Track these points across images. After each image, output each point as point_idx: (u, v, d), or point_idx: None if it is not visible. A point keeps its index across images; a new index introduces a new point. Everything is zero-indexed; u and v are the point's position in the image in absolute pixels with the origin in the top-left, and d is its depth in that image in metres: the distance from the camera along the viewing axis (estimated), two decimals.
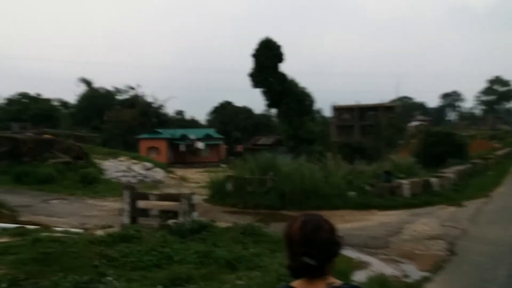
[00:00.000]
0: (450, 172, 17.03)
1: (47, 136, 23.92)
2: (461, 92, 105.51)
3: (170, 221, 8.73)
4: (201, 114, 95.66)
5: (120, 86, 58.42)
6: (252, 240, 8.16)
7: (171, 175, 24.30)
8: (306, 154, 27.06)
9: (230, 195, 15.02)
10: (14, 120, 41.06)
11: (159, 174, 23.24)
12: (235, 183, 15.28)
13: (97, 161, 24.92)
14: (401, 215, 12.07)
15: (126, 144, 46.53)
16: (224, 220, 12.08)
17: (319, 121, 71.11)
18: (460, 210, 12.57)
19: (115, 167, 22.91)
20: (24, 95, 52.82)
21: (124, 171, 22.16)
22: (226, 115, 62.95)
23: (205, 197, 16.36)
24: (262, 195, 14.36)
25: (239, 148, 45.54)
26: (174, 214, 9.00)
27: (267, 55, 28.47)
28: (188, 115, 68.70)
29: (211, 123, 63.15)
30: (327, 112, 73.33)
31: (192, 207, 8.95)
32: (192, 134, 42.86)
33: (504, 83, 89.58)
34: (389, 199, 13.98)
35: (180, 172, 31.19)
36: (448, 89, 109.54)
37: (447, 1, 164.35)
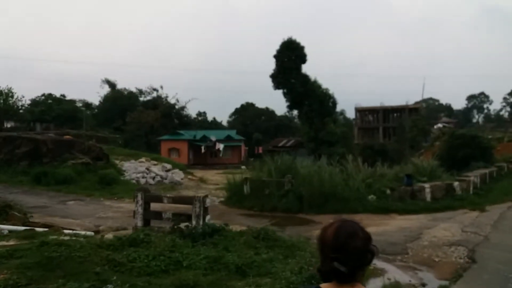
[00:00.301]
0: (474, 175, 16.47)
1: (67, 137, 24.47)
2: (488, 94, 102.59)
3: (183, 225, 8.72)
4: (223, 115, 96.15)
5: (143, 87, 59.33)
6: (265, 245, 8.04)
7: (190, 176, 24.44)
8: (327, 157, 26.85)
9: (247, 197, 14.96)
10: (38, 121, 42.16)
11: (178, 175, 23.39)
12: (252, 185, 15.21)
13: (117, 162, 25.36)
14: (422, 219, 11.73)
15: (147, 145, 47.22)
16: (239, 223, 12.05)
17: (341, 123, 70.51)
18: (483, 215, 12.12)
19: (135, 168, 23.21)
20: (48, 96, 54.26)
21: (143, 172, 22.39)
22: (248, 117, 63.10)
23: (222, 199, 16.40)
24: (280, 198, 14.24)
25: (260, 149, 45.47)
26: (187, 217, 8.97)
27: (289, 56, 28.42)
28: (210, 117, 69.26)
29: (232, 125, 63.38)
30: (351, 114, 72.62)
31: (205, 210, 8.90)
32: (212, 135, 43.09)
33: None
34: (410, 203, 13.63)
35: (199, 173, 31.36)
36: (475, 90, 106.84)
37: (477, 1, 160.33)
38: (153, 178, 22.19)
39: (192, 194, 19.37)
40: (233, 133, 47.65)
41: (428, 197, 14.19)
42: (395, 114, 65.33)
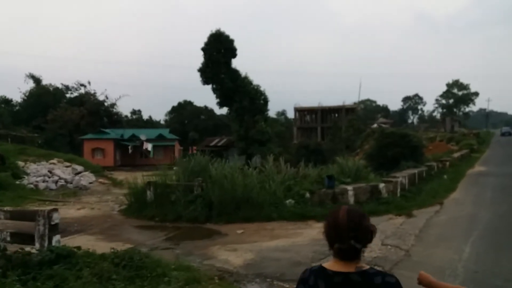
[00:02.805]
0: (402, 176, 15.47)
1: None
2: (422, 96, 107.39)
3: (24, 249, 6.49)
4: (160, 114, 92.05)
5: (70, 83, 54.74)
6: (125, 276, 6.03)
7: (102, 179, 21.73)
8: (260, 157, 25.15)
9: (150, 205, 12.83)
10: None
11: (87, 179, 20.64)
12: (157, 190, 13.09)
13: (22, 163, 22.14)
14: None
15: (71, 146, 43.23)
16: (126, 239, 9.95)
17: (281, 122, 69.85)
18: (408, 222, 10.90)
19: (37, 171, 20.15)
20: None
21: (44, 175, 19.44)
22: (185, 115, 60.42)
23: (124, 206, 14.12)
24: (187, 204, 12.26)
25: (194, 150, 43.10)
26: (30, 237, 6.74)
27: (218, 49, 26.53)
28: (146, 115, 65.63)
29: (169, 124, 60.37)
30: (292, 114, 72.16)
31: (52, 228, 6.70)
32: (142, 134, 40.09)
33: (462, 86, 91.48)
34: (331, 208, 12.12)
35: (123, 175, 28.47)
36: (410, 92, 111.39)
37: (412, 10, 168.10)
38: (56, 182, 19.33)
39: (94, 200, 16.93)
40: (165, 132, 44.84)
41: (351, 200, 12.87)
42: (333, 115, 65.76)
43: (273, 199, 12.27)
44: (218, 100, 27.32)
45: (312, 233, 9.93)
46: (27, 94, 54.40)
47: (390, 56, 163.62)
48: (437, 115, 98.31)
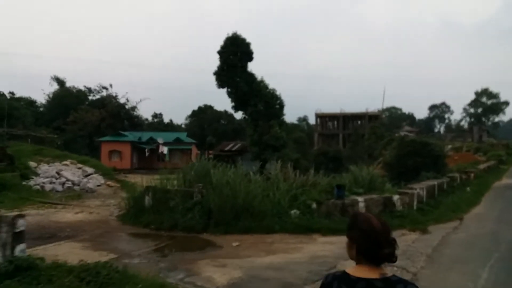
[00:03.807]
0: (419, 187, 14.35)
1: None
2: (450, 104, 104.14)
3: None
4: (181, 118, 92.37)
5: (93, 86, 55.47)
6: None
7: (110, 182, 21.38)
8: (273, 163, 24.37)
9: (148, 211, 12.22)
10: None
11: (95, 181, 20.32)
12: (156, 196, 12.48)
13: (34, 164, 22.06)
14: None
15: (90, 147, 43.56)
16: (112, 248, 9.32)
17: (301, 128, 68.77)
18: (422, 239, 9.88)
19: (46, 172, 19.98)
20: None
21: (52, 177, 19.22)
22: (205, 120, 60.21)
23: (123, 212, 13.58)
24: (185, 212, 11.57)
25: (209, 154, 42.67)
26: None
27: (234, 52, 25.95)
28: (167, 119, 65.87)
29: (189, 128, 60.32)
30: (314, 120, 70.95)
31: (17, 236, 6.12)
32: (160, 137, 39.89)
33: (491, 95, 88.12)
34: (339, 221, 11.22)
35: (139, 178, 28.16)
36: (437, 100, 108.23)
37: (440, 16, 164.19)
38: (63, 184, 19.06)
39: (97, 203, 16.50)
40: (183, 135, 44.55)
41: None
42: (356, 121, 64.26)
43: (277, 209, 11.45)
44: (233, 104, 26.69)
45: (313, 249, 9.08)
46: (51, 96, 55.43)
47: (416, 63, 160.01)
48: (464, 124, 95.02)
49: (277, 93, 26.56)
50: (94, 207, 15.18)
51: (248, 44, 25.97)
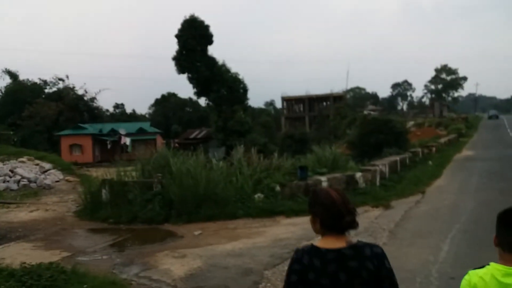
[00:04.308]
0: (382, 164, 14.46)
1: None
2: (411, 82, 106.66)
3: None
4: (144, 107, 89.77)
5: (48, 78, 52.89)
6: None
7: (70, 177, 20.47)
8: (241, 148, 24.03)
9: (105, 205, 11.65)
10: None
11: (53, 177, 19.37)
12: (113, 189, 11.92)
13: None
14: (308, 224, 9.16)
15: (50, 142, 41.75)
16: (68, 245, 8.85)
17: (268, 112, 68.70)
18: (385, 215, 9.90)
19: None
20: None
21: (5, 175, 18.15)
22: (170, 108, 58.92)
23: (79, 208, 12.94)
24: (145, 204, 11.12)
25: (175, 143, 41.86)
26: None
27: (193, 35, 25.15)
28: (129, 109, 63.93)
29: (152, 117, 58.88)
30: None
31: None
32: (122, 128, 38.66)
33: (451, 71, 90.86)
34: (302, 202, 11.04)
35: (101, 171, 27.19)
36: (399, 79, 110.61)
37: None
38: (18, 182, 18.02)
39: (54, 200, 15.72)
40: (146, 125, 43.41)
41: None
42: (321, 103, 64.74)
43: (240, 194, 11.19)
44: (195, 90, 26.05)
45: (276, 232, 8.90)
46: (3, 90, 52.56)
47: (379, 44, 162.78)
48: (426, 101, 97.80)
49: (240, 77, 26.13)
50: (51, 204, 14.42)
51: (207, 27, 25.28)
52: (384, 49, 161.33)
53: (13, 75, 54.80)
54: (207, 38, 25.44)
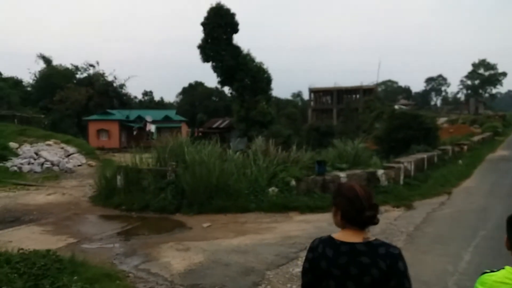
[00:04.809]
0: (407, 161, 13.74)
1: None
2: (447, 76, 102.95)
3: None
4: (172, 95, 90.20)
5: (80, 63, 54.06)
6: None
7: (92, 161, 20.71)
8: (262, 139, 23.69)
9: (119, 192, 11.58)
10: None
11: (75, 161, 19.65)
12: (128, 176, 11.83)
13: (15, 145, 21.30)
14: (323, 222, 8.75)
15: (79, 127, 42.71)
16: (76, 231, 8.78)
17: (294, 103, 67.85)
18: (405, 216, 9.32)
19: (24, 153, 19.27)
20: None
21: (30, 157, 18.52)
22: (196, 96, 59.09)
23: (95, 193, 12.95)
24: (158, 192, 10.97)
25: (198, 132, 41.88)
26: None
27: (218, 23, 24.81)
28: (157, 96, 64.60)
29: (179, 105, 59.27)
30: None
31: None
32: (148, 115, 38.99)
33: (489, 66, 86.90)
34: (319, 198, 10.67)
35: (127, 157, 27.51)
36: (434, 73, 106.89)
37: None
38: (41, 164, 18.36)
39: (73, 184, 15.87)
40: (172, 113, 43.60)
41: None
42: (351, 96, 63.26)
43: (254, 187, 10.85)
44: (219, 79, 25.77)
45: (287, 228, 8.50)
46: (37, 75, 54.08)
47: (413, 35, 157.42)
48: (461, 96, 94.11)
49: (265, 67, 25.64)
50: (69, 188, 14.56)
51: (232, 15, 24.86)
52: (419, 41, 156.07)
53: (47, 60, 56.30)
54: (233, 26, 25.03)
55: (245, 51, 25.21)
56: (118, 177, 11.86)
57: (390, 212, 9.74)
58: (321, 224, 8.68)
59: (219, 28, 24.59)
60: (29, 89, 54.74)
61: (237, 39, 25.43)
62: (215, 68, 25.29)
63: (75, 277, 5.09)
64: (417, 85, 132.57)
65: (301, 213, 9.94)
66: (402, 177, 12.81)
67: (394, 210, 9.99)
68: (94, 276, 5.39)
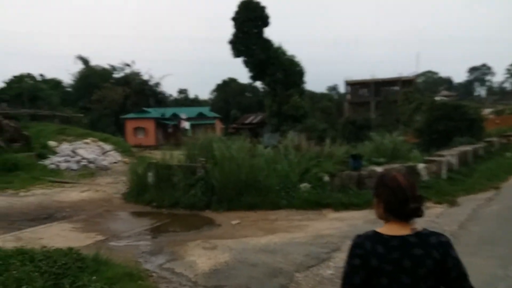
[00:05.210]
0: (450, 154, 12.88)
1: None
2: (491, 65, 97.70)
3: None
4: (206, 92, 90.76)
5: (116, 63, 55.43)
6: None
7: (127, 159, 20.98)
8: (295, 134, 23.24)
9: (150, 188, 11.52)
10: None
11: (111, 158, 19.97)
12: (159, 172, 11.75)
13: (54, 143, 21.98)
14: (358, 220, 8.26)
15: (117, 125, 43.75)
16: (106, 228, 8.75)
17: (329, 97, 66.58)
18: (449, 213, 8.65)
19: (62, 151, 19.80)
20: (20, 76, 50.45)
21: (67, 155, 18.98)
22: (230, 93, 59.17)
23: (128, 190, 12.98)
24: (188, 188, 10.81)
25: (231, 128, 41.84)
26: None
27: (249, 17, 24.49)
28: (192, 94, 65.33)
29: (213, 102, 59.59)
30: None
31: None
32: (183, 113, 39.36)
33: None
34: (354, 194, 10.15)
35: (161, 155, 27.86)
36: (478, 62, 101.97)
37: None
38: (78, 162, 18.77)
39: (107, 181, 16.06)
40: (206, 110, 43.82)
41: None
42: (389, 88, 61.24)
43: (285, 183, 10.45)
44: (250, 74, 25.45)
45: (319, 227, 8.07)
46: (76, 76, 55.91)
47: (454, 22, 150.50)
48: (508, 86, 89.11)
49: (297, 59, 25.07)
50: (103, 185, 14.74)
51: (263, 8, 24.44)
52: (460, 28, 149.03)
53: (85, 61, 58.09)
54: (263, 20, 24.62)
55: (276, 44, 24.74)
56: (149, 174, 11.81)
57: (431, 209, 9.07)
58: (355, 222, 8.18)
59: (249, 22, 24.26)
60: (69, 89, 56.70)
61: (268, 32, 25.04)
62: (246, 63, 24.99)
63: (94, 277, 4.91)
64: (460, 76, 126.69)
65: (334, 210, 9.47)
66: (444, 171, 12.01)
67: (436, 207, 9.32)
68: (116, 275, 5.21)
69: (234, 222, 8.73)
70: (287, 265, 5.81)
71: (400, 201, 1.72)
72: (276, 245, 6.83)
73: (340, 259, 5.99)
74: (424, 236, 1.72)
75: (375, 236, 1.75)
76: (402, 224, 1.74)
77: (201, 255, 6.46)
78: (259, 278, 5.41)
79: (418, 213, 1.74)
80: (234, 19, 24.57)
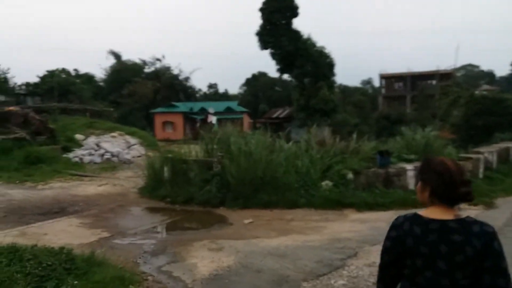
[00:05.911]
0: (488, 151, 11.79)
1: (9, 108, 21.24)
2: None
3: None
4: (236, 87, 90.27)
5: (147, 58, 55.99)
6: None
7: (152, 153, 20.84)
8: (325, 129, 22.48)
9: (166, 183, 11.14)
10: (30, 94, 39.85)
11: (135, 152, 19.88)
12: (175, 167, 11.36)
13: (81, 137, 22.20)
14: (381, 222, 7.49)
15: (147, 119, 44.19)
16: (114, 224, 8.42)
17: (363, 91, 64.73)
18: (484, 216, 7.69)
19: (88, 144, 19.91)
20: (52, 71, 51.96)
21: (91, 149, 19.03)
22: (259, 87, 58.57)
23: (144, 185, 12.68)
24: (203, 184, 10.34)
25: (258, 122, 41.24)
26: None
27: (277, 8, 23.75)
28: (222, 88, 65.21)
29: (243, 96, 59.21)
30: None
31: None
32: (211, 107, 39.13)
33: None
34: (380, 193, 9.38)
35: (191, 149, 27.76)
36: None
37: None
38: (102, 155, 18.78)
39: (127, 175, 15.88)
40: (234, 104, 43.43)
41: (411, 183, 9.85)
42: (426, 81, 58.82)
43: (304, 181, 9.79)
44: (278, 66, 24.75)
45: (338, 229, 7.37)
46: (108, 70, 56.94)
47: (495, 12, 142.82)
48: None
49: (327, 51, 24.12)
50: (123, 179, 14.56)
51: None
52: (503, 19, 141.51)
53: (116, 56, 59.02)
54: (292, 10, 23.81)
55: (305, 35, 23.87)
56: (165, 169, 11.44)
57: (465, 211, 8.14)
58: (379, 224, 7.41)
59: (277, 12, 23.53)
60: (101, 84, 57.83)
61: (298, 23, 24.23)
62: (273, 55, 24.29)
63: (76, 282, 4.48)
64: (502, 69, 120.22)
65: (357, 210, 8.74)
66: (481, 170, 11.01)
67: (471, 209, 8.38)
68: (104, 279, 4.77)
69: (246, 221, 8.18)
70: (295, 273, 5.19)
71: (448, 185, 1.69)
72: (287, 249, 6.22)
73: (356, 267, 5.33)
74: (466, 223, 1.67)
75: (414, 217, 1.74)
76: (446, 209, 1.71)
77: (205, 257, 5.95)
78: (261, 286, 4.82)
79: (468, 197, 1.70)
80: (261, 9, 23.90)
